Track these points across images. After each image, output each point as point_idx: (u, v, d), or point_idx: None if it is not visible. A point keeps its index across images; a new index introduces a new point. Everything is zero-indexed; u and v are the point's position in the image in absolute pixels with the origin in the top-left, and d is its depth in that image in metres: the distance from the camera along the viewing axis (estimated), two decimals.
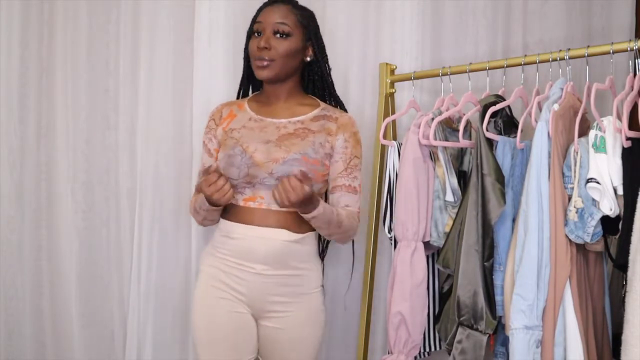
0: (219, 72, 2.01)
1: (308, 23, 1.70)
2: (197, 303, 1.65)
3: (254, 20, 1.68)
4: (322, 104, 1.75)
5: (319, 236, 1.77)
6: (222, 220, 1.66)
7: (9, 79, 2.02)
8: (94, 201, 2.08)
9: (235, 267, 1.60)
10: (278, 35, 1.63)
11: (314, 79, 1.77)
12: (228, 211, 1.65)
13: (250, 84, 1.80)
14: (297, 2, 1.73)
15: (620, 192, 1.37)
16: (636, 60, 1.44)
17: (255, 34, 1.66)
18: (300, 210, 1.55)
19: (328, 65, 1.78)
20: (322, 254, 1.81)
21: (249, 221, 1.59)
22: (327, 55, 1.77)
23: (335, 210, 1.61)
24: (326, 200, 1.74)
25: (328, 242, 1.86)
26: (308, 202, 1.51)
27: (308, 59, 1.72)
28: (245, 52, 1.75)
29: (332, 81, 1.80)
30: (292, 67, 1.68)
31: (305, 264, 1.64)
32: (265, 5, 1.69)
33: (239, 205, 1.62)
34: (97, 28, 2.07)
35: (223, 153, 1.63)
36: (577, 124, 1.44)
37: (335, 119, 1.70)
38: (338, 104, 1.81)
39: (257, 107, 1.71)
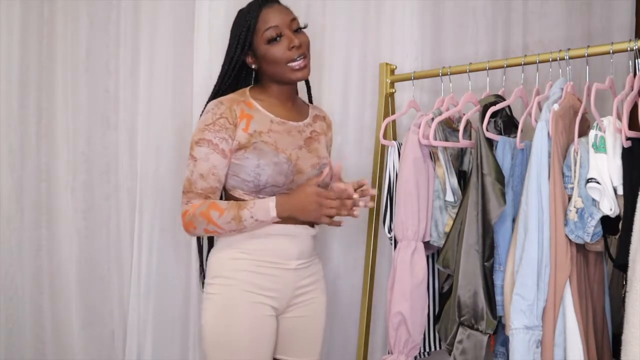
0: (219, 72, 2.01)
1: None
2: (219, 310, 1.54)
3: (259, 25, 1.57)
4: (308, 103, 1.76)
5: None
6: None
7: (9, 78, 2.02)
8: (94, 201, 2.08)
9: (270, 266, 1.56)
10: (296, 30, 1.58)
11: None
12: None
13: (233, 85, 1.68)
14: None
15: (620, 192, 1.37)
16: (636, 60, 1.44)
17: (273, 40, 1.55)
18: None
19: None
20: None
21: (278, 221, 1.54)
22: None
23: None
24: None
25: None
26: None
27: None
28: (238, 53, 1.62)
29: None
30: None
31: (315, 253, 1.70)
32: (262, 8, 1.59)
33: None
34: (97, 28, 2.07)
35: (264, 160, 1.53)
36: (577, 124, 1.44)
37: (323, 117, 1.75)
38: (308, 88, 1.80)
39: (272, 108, 1.62)
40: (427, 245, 1.71)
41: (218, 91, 1.66)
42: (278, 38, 1.55)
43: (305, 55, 1.57)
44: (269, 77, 1.62)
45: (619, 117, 1.39)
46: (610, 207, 1.36)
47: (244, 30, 1.58)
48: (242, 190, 1.55)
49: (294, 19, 1.59)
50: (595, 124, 1.40)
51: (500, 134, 1.67)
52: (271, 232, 1.55)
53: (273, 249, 1.56)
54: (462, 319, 1.55)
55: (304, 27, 1.60)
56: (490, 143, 1.57)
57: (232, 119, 1.54)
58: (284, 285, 1.58)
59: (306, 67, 1.57)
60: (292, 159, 1.56)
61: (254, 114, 1.58)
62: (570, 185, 1.42)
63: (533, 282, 1.41)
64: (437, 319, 1.73)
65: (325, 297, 1.70)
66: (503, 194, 1.51)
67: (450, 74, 1.77)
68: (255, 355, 1.54)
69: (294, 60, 1.55)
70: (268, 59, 1.57)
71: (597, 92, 1.44)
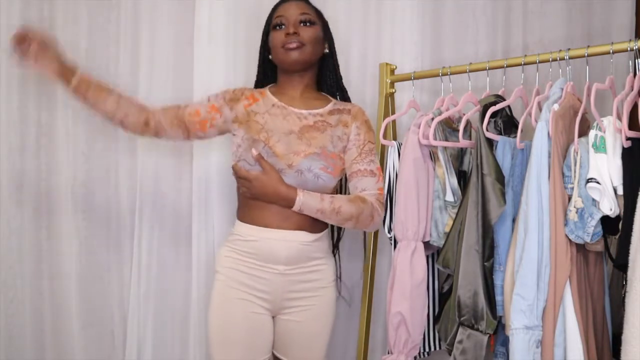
0: (219, 72, 2.01)
1: (322, 17, 1.75)
2: (214, 304, 1.64)
3: (273, 16, 1.71)
4: (333, 99, 1.77)
5: (331, 232, 1.80)
6: (239, 223, 1.65)
7: (9, 78, 2.01)
8: (94, 201, 2.08)
9: (257, 268, 1.61)
10: (302, 24, 1.67)
11: (326, 74, 1.79)
12: (245, 213, 1.64)
13: (265, 81, 1.79)
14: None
15: (620, 192, 1.37)
16: (636, 60, 1.44)
17: (277, 27, 1.68)
18: (280, 204, 1.57)
19: (337, 60, 1.81)
20: (333, 249, 1.82)
21: (268, 224, 1.59)
22: (336, 50, 1.80)
23: (328, 197, 1.59)
24: (344, 191, 1.79)
25: (339, 238, 1.87)
26: (275, 194, 1.56)
27: (326, 51, 1.75)
28: (262, 48, 1.76)
29: (341, 75, 1.82)
30: (316, 55, 1.71)
31: (322, 259, 1.68)
32: (282, 3, 1.72)
33: (256, 205, 1.61)
34: (97, 28, 2.07)
35: (248, 135, 1.63)
36: (577, 124, 1.44)
37: (348, 110, 1.74)
38: (346, 97, 1.83)
39: (280, 96, 1.72)
40: (427, 245, 1.71)
41: (256, 82, 1.81)
42: (282, 26, 1.67)
43: (303, 44, 1.65)
44: (278, 66, 1.74)
45: (619, 117, 1.39)
46: (610, 207, 1.36)
47: (266, 23, 1.74)
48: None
49: (304, 14, 1.69)
50: (595, 124, 1.40)
51: (500, 134, 1.67)
52: (255, 235, 1.60)
53: (255, 252, 1.60)
54: (462, 319, 1.55)
55: (313, 23, 1.68)
56: (490, 143, 1.57)
57: (239, 94, 1.71)
58: (274, 288, 1.61)
59: (297, 50, 1.65)
60: (270, 143, 1.62)
61: (260, 99, 1.71)
62: (570, 185, 1.42)
63: (533, 282, 1.41)
64: (437, 319, 1.73)
65: (328, 307, 1.69)
66: (503, 194, 1.51)
67: (450, 74, 1.77)
68: (251, 348, 1.60)
69: (285, 43, 1.65)
70: (272, 45, 1.70)
71: (597, 92, 1.44)
